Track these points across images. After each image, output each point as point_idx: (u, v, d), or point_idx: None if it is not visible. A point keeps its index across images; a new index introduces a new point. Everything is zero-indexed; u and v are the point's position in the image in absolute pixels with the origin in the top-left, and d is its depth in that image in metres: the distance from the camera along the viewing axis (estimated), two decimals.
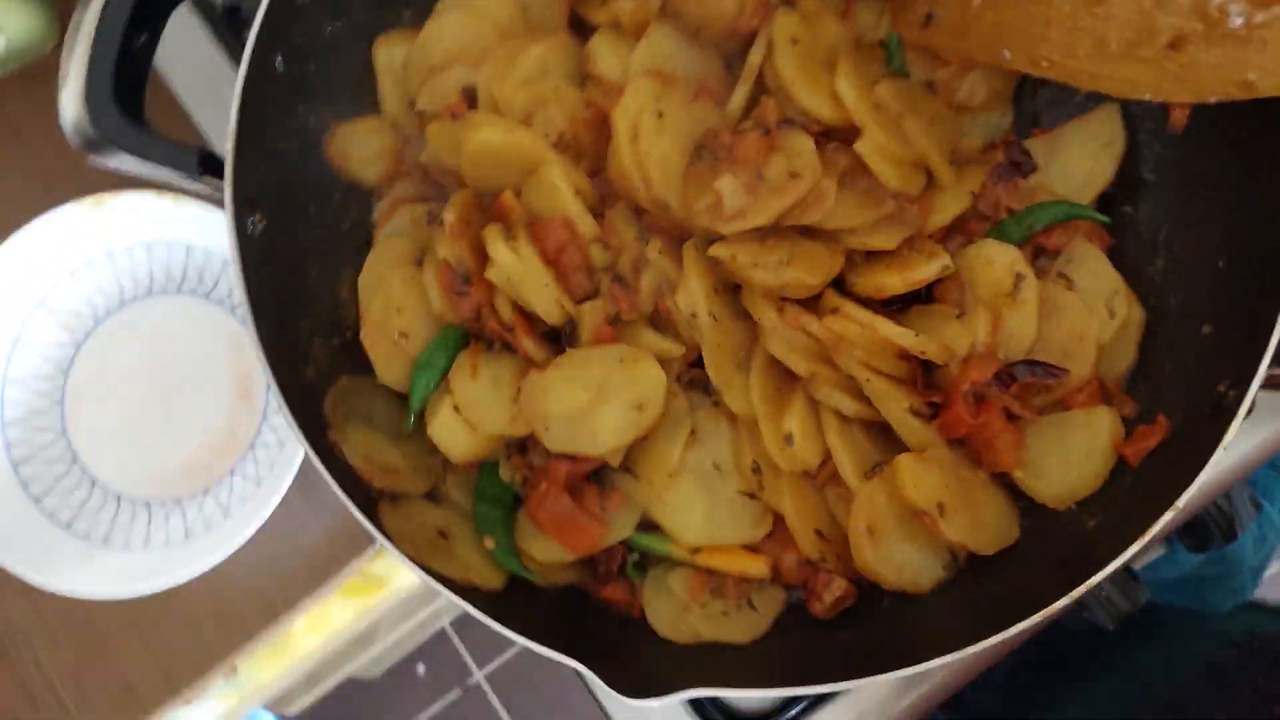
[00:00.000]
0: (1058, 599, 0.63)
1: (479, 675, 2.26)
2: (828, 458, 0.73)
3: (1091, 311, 0.72)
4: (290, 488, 0.92)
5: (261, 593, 1.03)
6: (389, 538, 0.67)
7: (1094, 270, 0.73)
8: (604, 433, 0.71)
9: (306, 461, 0.90)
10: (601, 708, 0.94)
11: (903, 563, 0.70)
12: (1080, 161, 0.76)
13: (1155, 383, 0.71)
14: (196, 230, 1.00)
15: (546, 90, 0.77)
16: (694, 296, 0.73)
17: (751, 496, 0.73)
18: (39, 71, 1.03)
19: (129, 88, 0.71)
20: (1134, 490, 0.67)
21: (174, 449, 1.01)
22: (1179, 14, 0.59)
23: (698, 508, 0.73)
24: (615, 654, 0.66)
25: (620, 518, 0.73)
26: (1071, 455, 0.70)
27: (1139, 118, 0.76)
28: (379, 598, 1.11)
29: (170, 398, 1.02)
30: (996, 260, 0.73)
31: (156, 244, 1.02)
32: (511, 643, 0.64)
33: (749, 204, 0.71)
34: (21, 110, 1.07)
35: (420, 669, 2.27)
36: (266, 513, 0.93)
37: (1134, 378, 0.73)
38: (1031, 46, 0.65)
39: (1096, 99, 0.77)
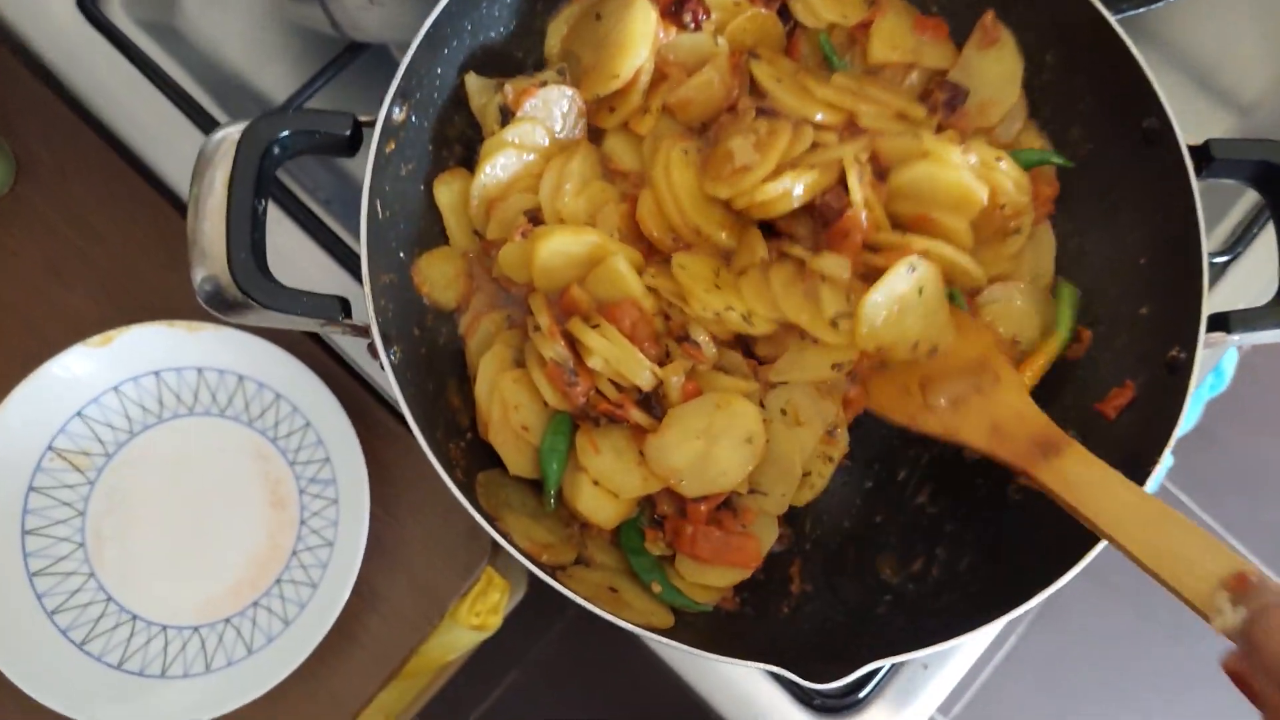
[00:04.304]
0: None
1: None
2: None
3: None
4: None
5: (333, 694, 1.03)
6: (588, 602, 0.76)
7: None
8: (730, 469, 0.84)
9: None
10: None
11: None
12: (992, 67, 0.94)
13: (1114, 353, 0.90)
14: (209, 352, 1.03)
15: (597, 192, 0.90)
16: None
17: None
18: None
19: (259, 251, 0.76)
20: (1122, 441, 0.85)
21: (217, 570, 1.02)
22: None
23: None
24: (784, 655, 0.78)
25: (763, 528, 0.87)
26: None
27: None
28: (424, 678, 1.14)
29: (202, 520, 1.03)
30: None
31: (166, 371, 1.03)
32: None
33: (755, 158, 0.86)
34: None
35: None
36: (336, 611, 0.97)
37: (1095, 348, 0.92)
38: None
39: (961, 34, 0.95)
